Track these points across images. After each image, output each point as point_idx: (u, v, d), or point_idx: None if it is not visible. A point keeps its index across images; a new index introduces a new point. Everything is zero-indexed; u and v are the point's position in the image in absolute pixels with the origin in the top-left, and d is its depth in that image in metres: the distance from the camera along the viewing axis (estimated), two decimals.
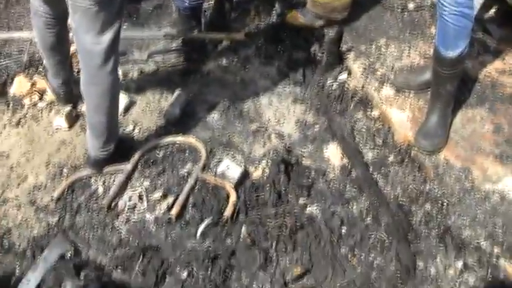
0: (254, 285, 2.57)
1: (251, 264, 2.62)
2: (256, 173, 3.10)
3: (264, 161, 3.16)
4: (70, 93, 3.48)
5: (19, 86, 3.64)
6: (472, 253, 2.66)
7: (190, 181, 3.01)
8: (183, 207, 2.91)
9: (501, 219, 2.77)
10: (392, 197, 2.95)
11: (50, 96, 3.57)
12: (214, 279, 2.55)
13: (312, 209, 2.90)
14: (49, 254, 2.68)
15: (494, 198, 2.86)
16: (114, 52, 2.77)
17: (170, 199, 2.96)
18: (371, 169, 3.12)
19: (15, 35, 3.96)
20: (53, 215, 2.95)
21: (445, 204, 2.88)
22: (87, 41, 2.68)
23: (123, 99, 3.40)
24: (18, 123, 3.47)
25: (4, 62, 3.79)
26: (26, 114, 3.53)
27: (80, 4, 2.53)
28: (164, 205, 2.94)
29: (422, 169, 3.08)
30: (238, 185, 3.00)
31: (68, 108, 3.45)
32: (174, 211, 2.85)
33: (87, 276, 2.61)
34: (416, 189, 2.99)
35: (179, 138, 3.29)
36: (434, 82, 3.09)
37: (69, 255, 2.73)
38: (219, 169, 3.03)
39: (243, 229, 2.72)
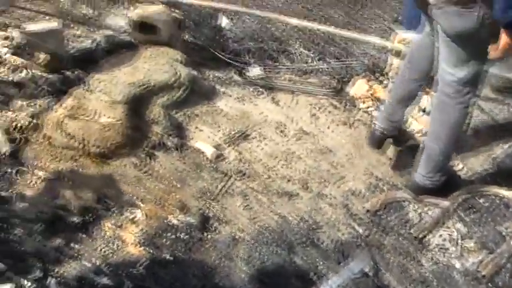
0: None
1: None
2: None
3: None
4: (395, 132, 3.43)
5: (358, 88, 3.78)
6: None
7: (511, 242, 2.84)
8: (499, 269, 2.75)
9: None
10: None
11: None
12: None
13: None
14: (354, 266, 2.75)
15: None
16: (468, 88, 2.75)
17: (484, 254, 2.81)
18: None
19: (361, 37, 4.07)
20: (363, 225, 2.98)
21: None
22: (444, 69, 2.75)
23: None
24: (347, 124, 3.60)
25: (348, 61, 3.95)
26: (358, 117, 3.65)
27: (441, 35, 2.64)
28: (476, 258, 2.80)
29: None
30: None
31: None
32: (487, 270, 2.70)
33: None
34: None
35: (506, 193, 3.12)
36: None
37: (371, 273, 2.76)
38: None
39: None
